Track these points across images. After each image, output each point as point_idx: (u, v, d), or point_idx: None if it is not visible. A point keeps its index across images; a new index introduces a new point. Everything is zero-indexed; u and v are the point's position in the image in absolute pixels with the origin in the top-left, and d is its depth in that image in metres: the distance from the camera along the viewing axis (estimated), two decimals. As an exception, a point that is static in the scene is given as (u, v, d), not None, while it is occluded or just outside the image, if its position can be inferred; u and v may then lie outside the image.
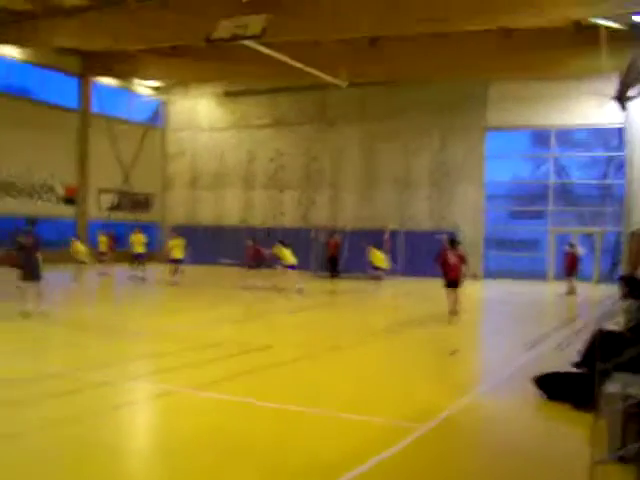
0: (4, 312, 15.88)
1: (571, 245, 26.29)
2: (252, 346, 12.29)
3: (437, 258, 17.17)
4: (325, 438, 7.14)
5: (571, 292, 25.06)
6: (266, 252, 24.08)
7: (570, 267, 25.60)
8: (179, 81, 40.49)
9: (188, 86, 41.38)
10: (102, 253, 29.78)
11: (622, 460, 6.33)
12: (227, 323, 15.88)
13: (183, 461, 6.30)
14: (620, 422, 6.63)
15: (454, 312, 16.84)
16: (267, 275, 24.17)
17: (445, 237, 20.49)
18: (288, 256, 23.23)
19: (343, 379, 10.25)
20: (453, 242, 17.40)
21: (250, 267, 24.47)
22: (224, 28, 23.40)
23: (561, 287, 26.04)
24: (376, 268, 25.52)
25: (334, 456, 6.54)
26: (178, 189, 42.64)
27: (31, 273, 15.15)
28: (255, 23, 22.95)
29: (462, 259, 16.89)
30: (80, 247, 25.78)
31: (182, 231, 39.96)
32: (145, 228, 42.16)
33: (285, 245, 23.72)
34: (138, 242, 27.08)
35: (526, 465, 6.58)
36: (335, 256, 32.96)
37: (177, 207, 42.58)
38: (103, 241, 30.20)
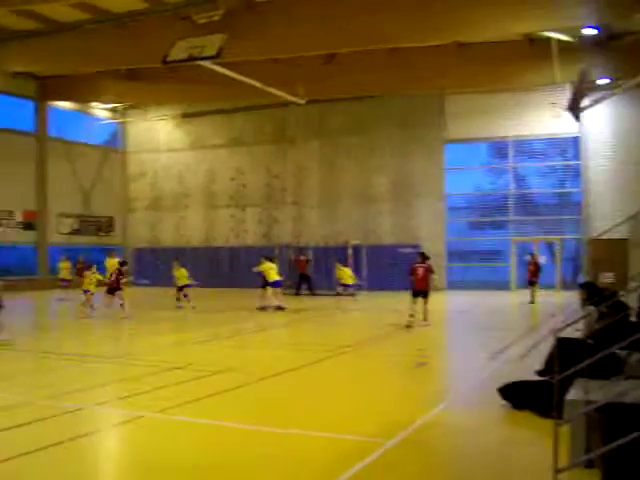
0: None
1: (532, 254, 26.83)
2: (218, 368, 12.21)
3: (409, 270, 19.00)
4: (291, 457, 7.10)
5: (533, 301, 25.46)
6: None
7: (532, 276, 26.16)
8: (137, 103, 40.30)
9: (146, 108, 41.23)
10: (63, 280, 29.28)
11: (588, 465, 6.39)
12: (194, 345, 15.77)
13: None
14: (583, 428, 6.70)
15: (425, 318, 18.55)
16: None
17: (408, 251, 21.42)
18: (273, 273, 23.23)
19: (309, 397, 10.22)
20: (422, 255, 19.37)
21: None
22: (180, 49, 23.39)
23: (525, 296, 26.32)
24: (345, 285, 25.53)
25: (300, 475, 6.51)
26: (140, 211, 42.34)
27: None
28: (211, 44, 22.97)
29: (429, 270, 18.87)
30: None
31: (145, 253, 39.97)
32: (107, 251, 41.84)
33: (271, 261, 23.77)
34: (112, 267, 26.01)
35: (492, 476, 6.61)
36: (305, 273, 32.81)
37: (139, 229, 42.27)
38: (65, 267, 29.65)
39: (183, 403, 9.38)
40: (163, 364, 12.66)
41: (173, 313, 23.18)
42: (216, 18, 23.80)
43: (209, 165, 40.02)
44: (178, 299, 24.15)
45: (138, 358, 13.67)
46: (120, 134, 43.17)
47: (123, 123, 42.73)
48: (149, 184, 41.97)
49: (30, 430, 8.12)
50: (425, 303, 18.60)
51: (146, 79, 33.24)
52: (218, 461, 6.93)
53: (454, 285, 33.91)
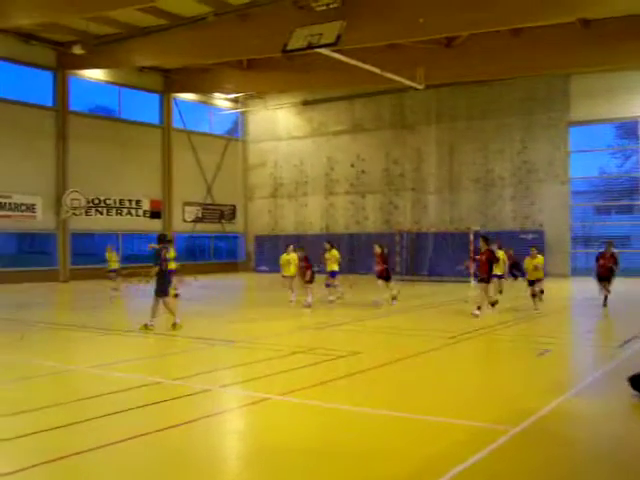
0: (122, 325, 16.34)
1: (609, 243, 22.12)
2: (340, 352, 12.32)
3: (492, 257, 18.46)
4: (417, 442, 7.09)
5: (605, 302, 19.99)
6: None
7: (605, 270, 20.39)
8: (257, 93, 41.05)
9: (266, 97, 41.92)
10: (111, 270, 26.51)
11: None
12: (314, 330, 15.96)
13: (277, 468, 6.36)
14: None
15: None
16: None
17: (530, 237, 20.42)
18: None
19: (432, 382, 10.17)
20: (486, 239, 18.70)
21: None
22: (299, 37, 23.60)
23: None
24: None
25: (426, 460, 6.50)
26: (260, 199, 43.17)
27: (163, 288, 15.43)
28: (330, 31, 23.07)
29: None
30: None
31: (265, 240, 40.74)
32: (230, 238, 43.00)
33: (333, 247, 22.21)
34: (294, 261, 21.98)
35: (620, 469, 6.39)
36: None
37: (260, 217, 43.11)
38: (112, 258, 26.73)
39: (308, 386, 9.52)
40: (286, 348, 12.88)
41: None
42: (334, 5, 23.89)
43: (329, 152, 40.30)
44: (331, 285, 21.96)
45: (261, 342, 13.97)
46: (241, 124, 44.10)
47: (244, 113, 43.61)
48: (269, 172, 42.69)
49: (160, 409, 8.46)
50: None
51: (266, 68, 33.77)
52: (342, 445, 7.00)
53: (578, 272, 32.87)
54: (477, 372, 11.09)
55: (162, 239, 15.94)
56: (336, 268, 21.69)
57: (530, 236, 31.73)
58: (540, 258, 19.20)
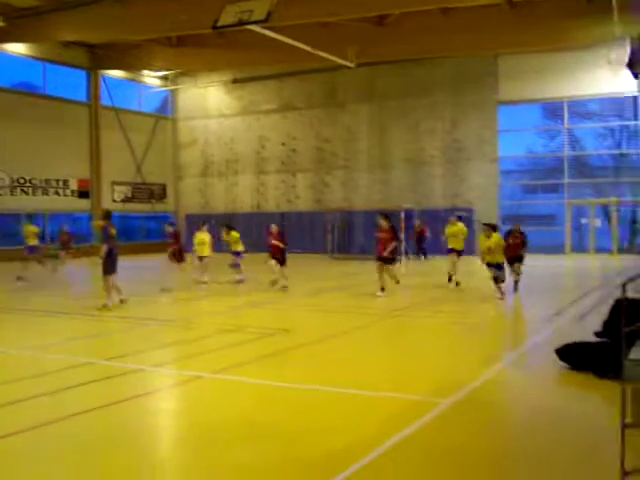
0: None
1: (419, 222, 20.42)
2: (270, 330, 12.31)
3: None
4: (352, 416, 7.13)
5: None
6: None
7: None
8: (187, 70, 40.40)
9: (196, 75, 41.31)
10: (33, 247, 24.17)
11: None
12: (248, 308, 15.90)
13: (211, 442, 6.31)
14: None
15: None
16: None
17: (462, 214, 20.32)
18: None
19: (364, 358, 10.23)
20: (387, 217, 17.64)
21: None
22: (229, 13, 23.25)
23: (581, 260, 25.80)
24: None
25: (361, 432, 6.53)
26: (191, 178, 42.67)
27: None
28: (260, 7, 22.78)
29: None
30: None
31: (196, 219, 40.33)
32: (161, 218, 42.45)
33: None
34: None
35: (552, 434, 6.54)
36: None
37: (190, 196, 42.63)
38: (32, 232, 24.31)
39: (240, 364, 9.48)
40: (217, 327, 12.82)
41: (225, 279, 23.27)
42: (265, -19, 23.61)
43: (260, 130, 40.02)
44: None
45: (192, 321, 13.88)
46: (171, 101, 43.42)
47: (174, 90, 42.93)
48: (200, 151, 42.21)
49: (92, 389, 8.33)
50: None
51: (196, 45, 33.29)
52: (277, 420, 6.99)
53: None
54: (409, 347, 11.21)
55: (107, 216, 15.59)
56: (240, 248, 21.45)
57: (461, 214, 32.13)
58: (496, 236, 16.39)
